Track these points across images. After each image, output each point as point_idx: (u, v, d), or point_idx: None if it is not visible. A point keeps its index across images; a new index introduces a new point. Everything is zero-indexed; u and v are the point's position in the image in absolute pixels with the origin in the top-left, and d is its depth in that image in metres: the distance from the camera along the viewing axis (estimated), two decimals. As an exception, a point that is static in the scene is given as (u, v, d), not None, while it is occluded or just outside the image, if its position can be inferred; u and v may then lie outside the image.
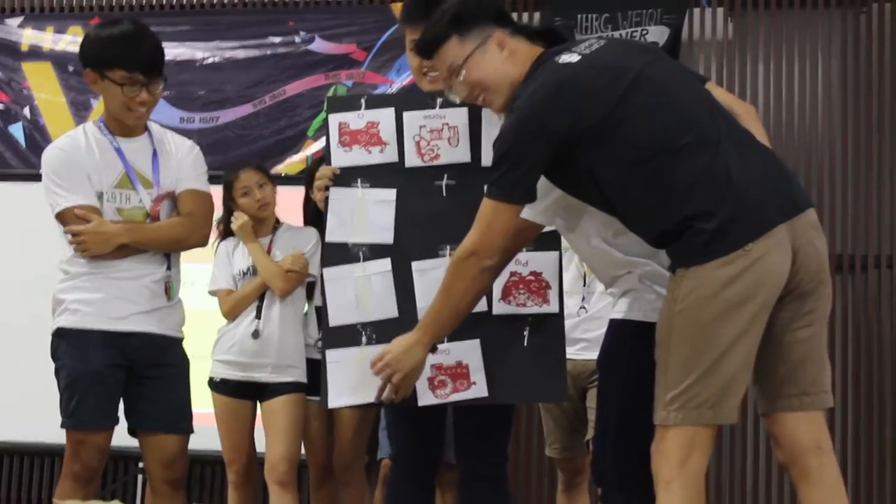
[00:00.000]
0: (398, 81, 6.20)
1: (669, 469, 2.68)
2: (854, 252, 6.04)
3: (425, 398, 3.32)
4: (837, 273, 5.85)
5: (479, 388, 3.32)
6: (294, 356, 4.47)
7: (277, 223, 4.67)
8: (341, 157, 3.45)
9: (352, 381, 3.34)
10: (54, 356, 3.67)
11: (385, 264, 3.39)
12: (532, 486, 6.03)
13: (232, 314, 4.51)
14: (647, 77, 2.76)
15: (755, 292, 2.64)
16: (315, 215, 4.33)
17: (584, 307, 4.24)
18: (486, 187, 2.90)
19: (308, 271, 4.47)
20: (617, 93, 2.72)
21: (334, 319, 3.39)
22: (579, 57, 2.80)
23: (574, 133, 2.73)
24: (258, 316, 4.46)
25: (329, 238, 3.44)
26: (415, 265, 3.35)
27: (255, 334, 4.43)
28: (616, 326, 3.10)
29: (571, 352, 3.91)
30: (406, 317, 3.31)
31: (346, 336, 3.36)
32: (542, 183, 2.98)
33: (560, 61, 2.81)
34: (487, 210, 2.86)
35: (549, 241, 3.31)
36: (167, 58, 3.74)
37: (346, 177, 3.44)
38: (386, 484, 4.07)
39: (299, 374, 4.47)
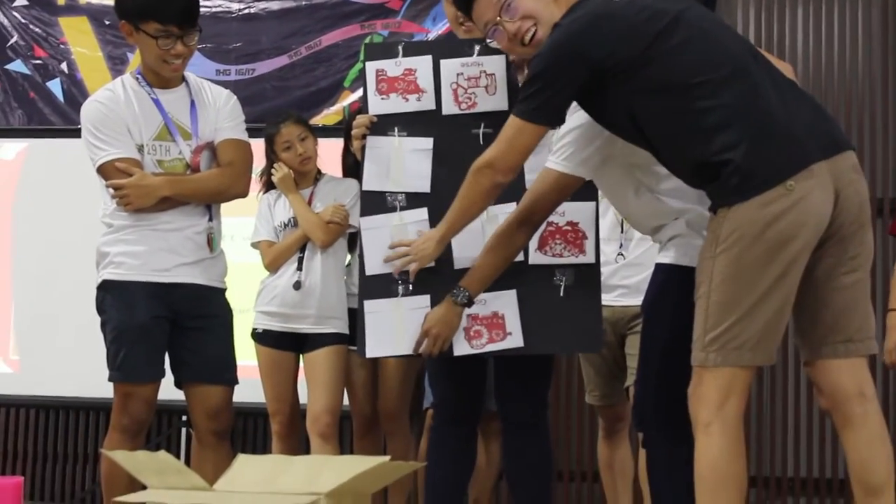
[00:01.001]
0: (434, 30, 6.15)
1: (708, 412, 2.67)
2: (895, 195, 5.98)
3: (461, 348, 3.34)
4: (878, 217, 5.79)
5: (514, 339, 3.33)
6: (336, 307, 4.48)
7: (319, 174, 4.66)
8: (378, 105, 3.46)
9: (389, 331, 3.36)
10: (100, 309, 3.69)
11: (422, 213, 3.40)
12: (573, 433, 6.04)
13: (273, 266, 4.52)
14: (685, 18, 2.75)
15: (797, 232, 2.61)
16: (354, 167, 4.33)
17: (622, 254, 4.21)
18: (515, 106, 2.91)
19: (349, 222, 4.47)
20: (654, 30, 2.72)
21: (371, 269, 3.40)
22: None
23: (608, 63, 2.73)
24: (300, 267, 4.46)
25: (366, 186, 3.45)
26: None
27: (297, 285, 4.43)
28: (663, 271, 3.07)
29: (610, 298, 3.90)
30: (442, 267, 3.33)
31: (383, 286, 3.38)
32: (581, 134, 2.97)
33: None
34: (512, 127, 2.88)
35: (586, 192, 3.30)
36: (202, 10, 3.72)
37: (383, 125, 3.44)
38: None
39: (341, 326, 4.47)
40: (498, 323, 3.34)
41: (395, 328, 3.36)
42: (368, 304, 3.38)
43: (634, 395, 3.14)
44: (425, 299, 3.34)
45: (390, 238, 3.39)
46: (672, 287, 2.98)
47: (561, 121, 2.88)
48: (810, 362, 2.84)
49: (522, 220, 3.12)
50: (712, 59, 2.71)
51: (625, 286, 4.16)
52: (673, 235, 3.05)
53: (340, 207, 4.47)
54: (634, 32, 2.73)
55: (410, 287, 3.35)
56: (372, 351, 3.41)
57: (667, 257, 3.06)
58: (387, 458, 1.90)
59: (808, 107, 2.77)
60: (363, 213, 3.46)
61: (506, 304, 3.34)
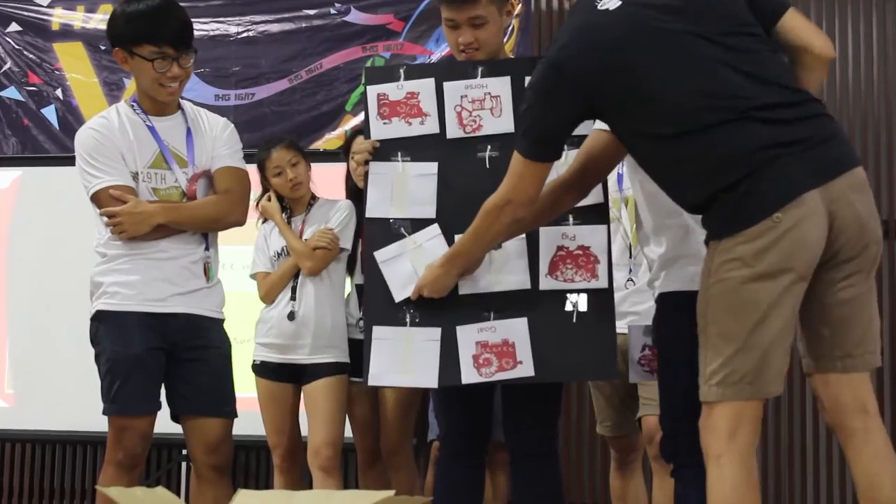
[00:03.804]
0: (437, 52, 6.13)
1: (718, 444, 2.65)
2: (909, 216, 5.91)
3: (470, 376, 3.27)
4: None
5: (525, 368, 3.27)
6: (333, 335, 4.38)
7: (313, 199, 4.58)
8: (380, 130, 3.40)
9: (396, 361, 3.30)
10: (94, 341, 3.64)
11: (433, 230, 3.34)
12: (584, 464, 6.00)
13: (269, 297, 4.44)
14: (683, 44, 2.69)
15: (787, 264, 2.60)
16: (356, 189, 4.25)
17: (631, 279, 4.16)
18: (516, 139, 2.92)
19: (339, 245, 4.38)
20: (633, 64, 2.69)
21: (399, 296, 3.32)
22: (619, 3, 2.75)
23: (592, 81, 2.72)
24: (294, 297, 4.39)
25: (370, 214, 3.39)
26: (458, 238, 3.26)
27: (291, 316, 4.35)
28: (669, 300, 3.05)
29: (620, 325, 3.82)
30: (452, 298, 3.28)
31: (393, 313, 3.31)
32: None
33: (599, 7, 2.78)
34: (517, 163, 2.92)
35: (597, 215, 3.27)
36: (200, 34, 3.69)
37: (386, 150, 3.39)
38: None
39: (339, 354, 4.37)
40: (508, 351, 3.27)
41: (402, 358, 3.29)
42: (377, 331, 3.32)
43: (663, 428, 3.11)
44: (436, 332, 3.28)
45: (411, 263, 3.32)
46: (681, 315, 2.92)
47: (559, 154, 2.90)
48: (811, 375, 2.81)
49: (573, 182, 3.08)
50: (696, 98, 2.66)
51: (635, 312, 4.10)
52: (673, 256, 3.04)
53: (327, 231, 4.37)
54: (616, 63, 2.71)
55: (417, 316, 3.29)
56: (374, 379, 3.34)
57: (668, 285, 3.06)
58: (391, 492, 1.81)
59: (808, 127, 2.69)
60: (374, 246, 3.38)
61: (516, 331, 3.27)
